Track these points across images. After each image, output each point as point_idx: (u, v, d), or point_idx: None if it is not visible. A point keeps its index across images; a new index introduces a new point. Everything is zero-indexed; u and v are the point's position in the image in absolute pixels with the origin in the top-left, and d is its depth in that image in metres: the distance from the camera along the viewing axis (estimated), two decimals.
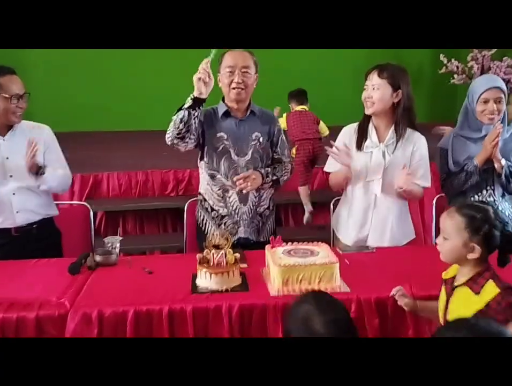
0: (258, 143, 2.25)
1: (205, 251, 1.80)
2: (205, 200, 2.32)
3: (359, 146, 2.22)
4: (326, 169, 2.36)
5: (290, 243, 1.91)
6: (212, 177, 2.26)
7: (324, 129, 4.08)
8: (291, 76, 6.01)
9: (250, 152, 2.24)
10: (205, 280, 1.74)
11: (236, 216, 2.26)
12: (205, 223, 2.32)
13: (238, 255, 1.80)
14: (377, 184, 2.20)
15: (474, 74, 6.78)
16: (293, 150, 3.97)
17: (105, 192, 3.76)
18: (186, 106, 2.07)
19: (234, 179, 2.17)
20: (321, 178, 4.01)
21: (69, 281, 1.83)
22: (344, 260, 1.99)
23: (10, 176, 2.15)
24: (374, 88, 2.13)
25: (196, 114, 2.08)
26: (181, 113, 2.07)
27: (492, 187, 2.22)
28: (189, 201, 2.82)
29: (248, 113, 2.26)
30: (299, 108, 4.06)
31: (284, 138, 2.37)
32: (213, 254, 1.76)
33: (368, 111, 2.19)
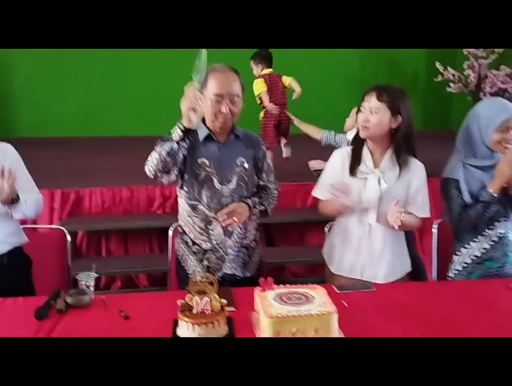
0: (243, 169, 2.06)
1: (187, 297, 1.61)
2: (185, 233, 2.11)
3: (352, 171, 2.06)
4: (315, 194, 2.20)
5: (281, 286, 1.73)
6: (193, 208, 2.05)
7: (286, 80, 4.06)
8: None
9: (234, 179, 2.04)
10: (187, 331, 1.55)
11: (221, 250, 2.06)
12: (186, 259, 2.12)
13: (224, 301, 1.62)
14: (372, 213, 2.05)
15: (470, 82, 6.66)
16: (261, 114, 4.02)
17: (87, 209, 3.56)
18: (175, 138, 1.85)
19: (218, 215, 1.97)
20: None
21: (35, 328, 1.64)
22: (341, 301, 1.81)
23: None
24: (371, 112, 1.98)
25: (185, 145, 1.89)
26: (167, 146, 1.85)
27: (505, 219, 2.06)
28: (174, 225, 2.63)
29: (232, 136, 2.07)
30: (268, 70, 4.01)
31: (269, 161, 2.19)
32: (196, 301, 1.57)
33: (362, 135, 2.04)
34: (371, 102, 1.99)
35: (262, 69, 4.02)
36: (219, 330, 1.56)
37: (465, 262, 2.13)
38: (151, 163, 1.90)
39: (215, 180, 2.02)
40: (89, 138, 6.31)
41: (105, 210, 3.57)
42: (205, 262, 2.07)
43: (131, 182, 3.70)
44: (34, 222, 3.04)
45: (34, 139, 6.18)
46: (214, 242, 2.06)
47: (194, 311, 1.57)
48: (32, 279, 2.21)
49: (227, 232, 2.05)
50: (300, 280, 3.67)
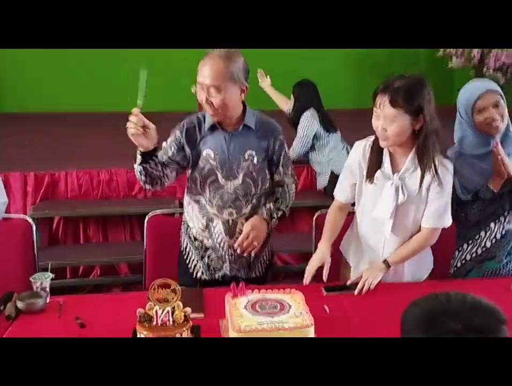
0: (252, 165, 1.84)
1: (147, 306, 1.43)
2: (189, 227, 1.97)
3: (370, 177, 1.79)
4: (335, 196, 1.95)
5: (256, 291, 1.54)
6: (196, 202, 1.89)
7: None
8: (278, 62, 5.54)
9: (241, 175, 1.84)
10: None
11: (221, 250, 1.89)
12: (188, 252, 1.97)
13: (189, 310, 1.44)
14: (387, 225, 1.79)
15: (473, 57, 6.39)
16: None
17: (63, 192, 3.33)
18: (137, 162, 1.71)
19: (235, 247, 1.83)
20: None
21: None
22: (324, 306, 1.64)
23: None
24: (388, 120, 1.65)
25: (153, 164, 1.72)
26: (137, 168, 1.74)
27: (511, 212, 1.87)
28: (149, 215, 2.45)
29: (242, 126, 1.84)
30: None
31: (287, 151, 1.94)
32: (156, 311, 1.39)
33: (383, 145, 1.73)
34: (386, 110, 1.65)
35: None
36: None
37: (465, 259, 1.97)
38: (138, 178, 1.80)
39: (219, 175, 1.84)
40: (75, 113, 6.06)
41: (82, 194, 3.35)
42: (206, 260, 1.94)
43: (110, 164, 3.49)
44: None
45: (18, 114, 5.95)
46: (215, 240, 1.90)
47: (154, 322, 1.39)
48: None
49: (229, 231, 1.87)
50: (290, 267, 3.52)
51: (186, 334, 1.39)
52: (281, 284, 1.64)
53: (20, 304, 1.60)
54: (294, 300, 1.49)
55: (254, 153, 1.85)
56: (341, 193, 1.91)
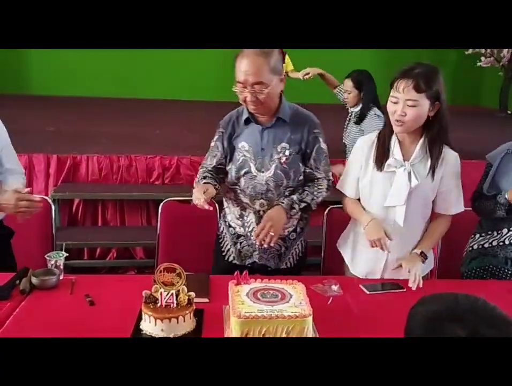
0: (284, 158, 1.87)
1: (153, 288, 1.48)
2: (226, 213, 2.05)
3: (379, 165, 1.81)
4: (340, 188, 1.98)
5: (259, 280, 1.58)
6: (234, 192, 1.96)
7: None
8: None
9: (273, 167, 1.87)
10: (149, 325, 1.43)
11: (252, 239, 1.93)
12: (224, 237, 2.06)
13: (193, 294, 1.49)
14: (399, 212, 1.81)
15: (503, 57, 6.25)
16: None
17: (84, 175, 3.44)
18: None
19: (253, 238, 1.88)
20: None
21: None
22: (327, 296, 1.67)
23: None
24: (408, 105, 1.68)
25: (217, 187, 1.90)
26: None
27: None
28: (165, 201, 2.51)
29: (275, 119, 1.88)
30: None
31: (322, 146, 1.93)
32: (161, 293, 1.44)
33: (397, 130, 1.75)
34: (409, 94, 1.66)
35: None
36: (184, 326, 1.44)
37: (472, 247, 2.03)
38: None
39: (252, 167, 1.89)
40: (98, 98, 6.18)
41: (102, 178, 3.45)
42: (238, 246, 2.01)
43: (130, 150, 3.57)
44: None
45: (44, 97, 6.10)
46: (247, 229, 1.96)
47: (158, 304, 1.44)
48: (13, 252, 2.13)
49: (260, 222, 1.89)
50: None
51: (188, 317, 1.44)
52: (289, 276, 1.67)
53: (34, 280, 1.67)
54: (296, 290, 1.53)
55: (287, 145, 1.87)
56: (346, 187, 1.95)
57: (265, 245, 1.83)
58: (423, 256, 1.82)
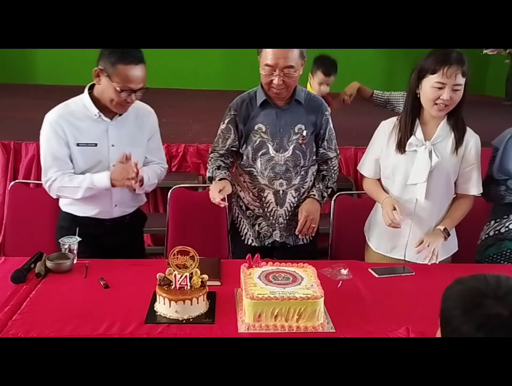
0: (301, 137, 1.94)
1: (167, 271, 1.51)
2: (240, 198, 2.08)
3: (402, 146, 1.85)
4: (360, 170, 2.04)
5: (270, 263, 1.61)
6: (249, 174, 2.00)
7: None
8: None
9: (291, 147, 1.94)
10: (164, 306, 1.46)
11: (271, 218, 2.01)
12: (240, 221, 2.10)
13: (206, 277, 1.52)
14: (420, 189, 1.85)
15: None
16: None
17: None
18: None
19: (296, 233, 1.97)
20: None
21: (10, 292, 1.58)
22: (337, 280, 1.70)
23: (113, 166, 1.86)
24: (454, 89, 1.74)
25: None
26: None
27: None
28: (173, 188, 2.54)
29: (292, 102, 1.93)
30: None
31: (332, 127, 2.05)
32: (175, 275, 1.47)
33: (439, 114, 1.80)
34: (458, 79, 1.72)
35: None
36: (198, 308, 1.47)
37: (488, 234, 2.06)
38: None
39: (270, 148, 1.94)
40: None
41: None
42: (256, 228, 2.06)
43: None
44: None
45: (51, 87, 6.09)
46: (266, 209, 2.01)
47: (173, 286, 1.47)
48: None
49: (279, 201, 1.99)
50: None
51: (202, 299, 1.47)
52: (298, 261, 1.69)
53: (49, 264, 1.70)
54: (307, 273, 1.56)
55: (303, 126, 1.94)
56: (367, 168, 1.99)
57: (307, 237, 1.99)
58: (446, 232, 1.86)
